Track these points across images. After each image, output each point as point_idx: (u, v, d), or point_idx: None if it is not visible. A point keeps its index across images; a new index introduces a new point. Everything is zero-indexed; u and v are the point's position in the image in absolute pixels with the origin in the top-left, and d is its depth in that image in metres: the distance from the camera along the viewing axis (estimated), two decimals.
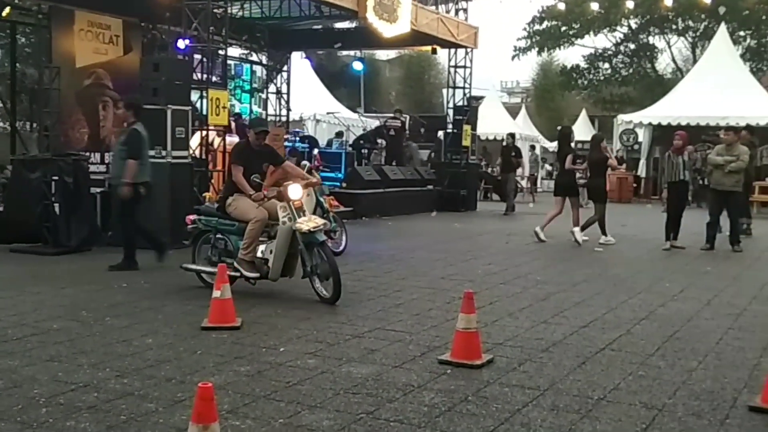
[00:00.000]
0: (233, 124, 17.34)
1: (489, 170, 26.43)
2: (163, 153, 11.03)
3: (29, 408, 4.45)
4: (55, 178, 10.41)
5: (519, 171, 29.01)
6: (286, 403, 4.65)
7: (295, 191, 7.52)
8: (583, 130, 40.38)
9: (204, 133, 12.58)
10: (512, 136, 20.97)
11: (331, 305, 7.35)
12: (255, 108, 21.90)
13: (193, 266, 8.18)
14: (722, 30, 27.55)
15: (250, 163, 7.80)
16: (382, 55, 48.80)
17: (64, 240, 10.34)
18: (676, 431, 4.39)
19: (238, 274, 7.64)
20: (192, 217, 8.22)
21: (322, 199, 10.06)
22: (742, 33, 35.13)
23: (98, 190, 11.22)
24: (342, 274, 7.46)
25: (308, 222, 7.38)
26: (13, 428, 4.16)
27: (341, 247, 10.71)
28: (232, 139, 15.07)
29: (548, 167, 36.97)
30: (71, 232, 10.41)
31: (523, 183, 27.83)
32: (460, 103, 20.60)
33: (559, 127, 16.78)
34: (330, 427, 4.29)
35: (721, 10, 30.90)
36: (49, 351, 5.64)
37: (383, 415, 4.49)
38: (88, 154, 13.49)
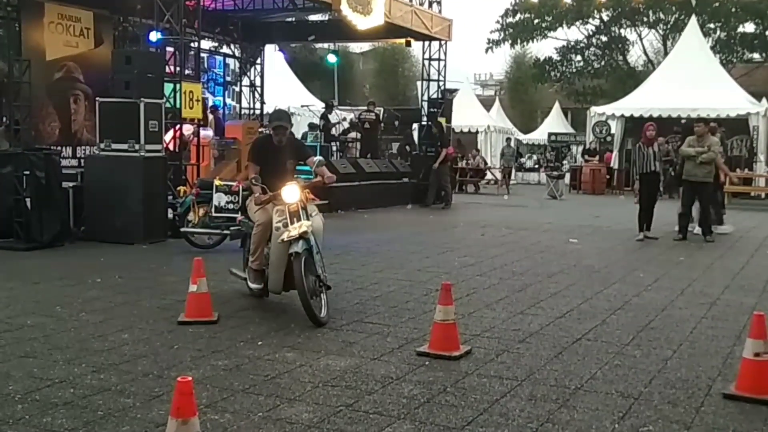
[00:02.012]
0: (210, 117, 17.27)
1: (465, 163, 26.47)
2: (136, 147, 10.95)
3: (4, 404, 4.41)
4: (27, 172, 10.28)
5: (493, 162, 29.34)
6: (264, 396, 4.64)
7: (290, 194, 6.70)
8: (556, 123, 40.73)
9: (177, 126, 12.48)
10: (439, 125, 19.92)
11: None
12: (229, 101, 21.78)
13: (239, 273, 7.43)
14: (693, 22, 27.81)
15: (269, 160, 7.10)
16: (356, 47, 48.75)
17: (36, 235, 10.21)
18: (652, 419, 4.44)
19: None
20: (240, 217, 7.90)
21: None
22: (711, 25, 35.46)
23: (70, 184, 11.11)
24: None
25: (295, 229, 6.47)
26: None
27: None
28: (207, 133, 15.00)
29: (523, 159, 37.17)
30: (43, 227, 10.28)
31: (498, 175, 27.92)
32: (435, 96, 20.59)
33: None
34: (309, 419, 4.29)
35: (693, 1, 31.17)
36: (24, 347, 5.58)
37: (362, 407, 4.49)
38: (59, 148, 13.39)
